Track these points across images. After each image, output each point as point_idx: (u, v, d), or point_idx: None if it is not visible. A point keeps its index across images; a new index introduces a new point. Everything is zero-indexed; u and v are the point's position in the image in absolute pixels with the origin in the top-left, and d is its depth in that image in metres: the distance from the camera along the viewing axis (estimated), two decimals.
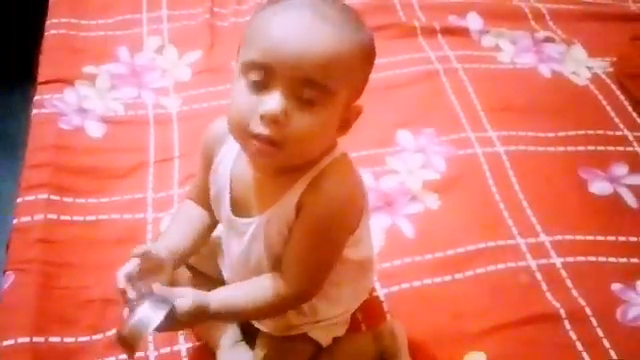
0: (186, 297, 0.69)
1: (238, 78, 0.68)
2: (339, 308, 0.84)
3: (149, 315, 0.66)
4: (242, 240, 0.76)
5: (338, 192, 0.72)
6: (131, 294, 0.69)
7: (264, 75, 0.66)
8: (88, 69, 1.30)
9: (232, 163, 0.76)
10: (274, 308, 0.76)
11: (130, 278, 0.70)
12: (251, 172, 0.74)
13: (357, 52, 0.68)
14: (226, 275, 0.83)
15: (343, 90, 0.68)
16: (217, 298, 0.73)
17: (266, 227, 0.73)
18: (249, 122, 0.66)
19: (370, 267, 0.87)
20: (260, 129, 0.66)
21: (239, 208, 0.76)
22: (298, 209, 0.71)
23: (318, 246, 0.73)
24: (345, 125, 0.72)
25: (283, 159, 0.68)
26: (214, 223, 0.82)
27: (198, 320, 0.72)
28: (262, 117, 0.65)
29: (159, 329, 0.68)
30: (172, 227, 0.82)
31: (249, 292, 0.74)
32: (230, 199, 0.76)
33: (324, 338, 0.83)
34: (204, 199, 0.81)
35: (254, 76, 0.66)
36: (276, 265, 0.75)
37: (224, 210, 0.77)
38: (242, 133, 0.68)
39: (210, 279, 0.85)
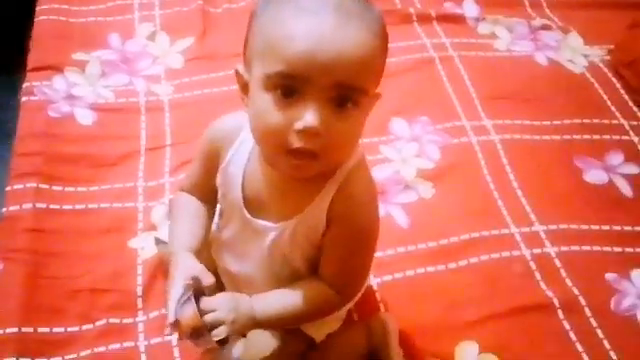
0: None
1: (259, 90, 0.64)
2: None
3: (184, 307, 0.67)
4: (262, 242, 0.74)
5: (368, 198, 0.72)
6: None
7: (294, 86, 0.61)
8: (78, 56, 1.29)
9: (245, 162, 0.73)
10: (320, 313, 0.77)
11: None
12: (268, 174, 0.71)
13: (381, 43, 0.65)
14: (234, 269, 0.80)
15: (374, 84, 0.66)
16: (259, 304, 0.72)
17: (292, 233, 0.72)
18: (284, 138, 0.63)
19: None
20: (299, 144, 0.62)
21: (252, 208, 0.74)
22: (329, 219, 0.70)
23: (359, 252, 0.74)
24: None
25: (320, 168, 0.66)
26: (212, 216, 0.80)
27: (244, 316, 0.71)
28: (300, 132, 0.62)
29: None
30: (181, 225, 0.78)
31: (294, 298, 0.73)
32: (242, 198, 0.74)
33: (318, 334, 0.83)
34: (202, 193, 0.79)
35: (283, 88, 0.62)
36: (307, 266, 0.75)
37: (237, 210, 0.75)
38: (277, 149, 0.64)
39: None
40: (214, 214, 0.80)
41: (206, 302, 0.69)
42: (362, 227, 0.72)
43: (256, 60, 0.65)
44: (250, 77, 0.66)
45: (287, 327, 0.79)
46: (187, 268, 0.70)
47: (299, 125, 0.62)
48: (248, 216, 0.74)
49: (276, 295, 0.74)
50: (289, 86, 0.62)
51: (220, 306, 0.69)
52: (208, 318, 0.68)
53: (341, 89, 0.62)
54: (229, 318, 0.69)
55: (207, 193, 0.78)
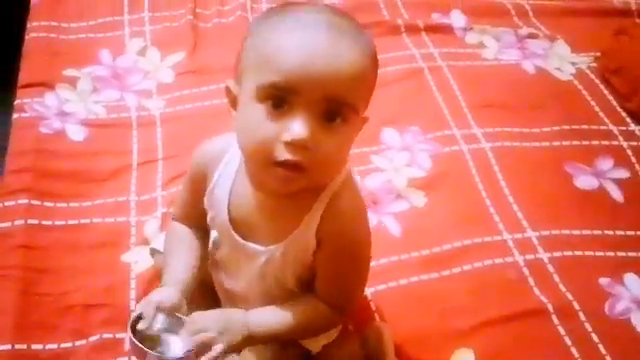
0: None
1: (249, 102, 0.64)
2: None
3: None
4: (253, 264, 0.74)
5: (357, 214, 0.72)
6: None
7: (286, 98, 0.62)
8: (69, 72, 1.29)
9: (231, 184, 0.73)
10: (318, 330, 0.78)
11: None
12: (254, 194, 0.71)
13: (371, 63, 0.66)
14: (229, 286, 0.80)
15: (363, 104, 0.67)
16: (255, 319, 0.72)
17: (283, 255, 0.72)
18: (272, 150, 0.63)
19: None
20: (287, 156, 0.62)
21: (241, 230, 0.73)
22: (319, 238, 0.70)
23: (353, 268, 0.74)
24: None
25: (307, 183, 0.66)
26: (206, 242, 0.80)
27: (238, 333, 0.71)
28: (288, 144, 0.62)
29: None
30: (173, 260, 0.78)
31: (291, 314, 0.73)
32: (229, 220, 0.73)
33: (314, 345, 0.82)
34: (193, 219, 0.79)
35: (274, 99, 0.62)
36: (299, 285, 0.75)
37: (226, 233, 0.74)
38: (264, 161, 0.64)
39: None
40: (208, 237, 0.79)
41: (196, 323, 0.69)
42: (353, 243, 0.72)
43: (248, 73, 0.66)
44: (240, 90, 0.67)
45: (283, 342, 0.78)
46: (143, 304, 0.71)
47: (287, 137, 0.62)
48: (238, 239, 0.74)
49: (273, 311, 0.74)
50: (280, 97, 0.62)
51: (209, 326, 0.69)
52: (198, 339, 0.68)
53: (331, 103, 0.63)
54: (222, 338, 0.69)
55: (198, 218, 0.78)
